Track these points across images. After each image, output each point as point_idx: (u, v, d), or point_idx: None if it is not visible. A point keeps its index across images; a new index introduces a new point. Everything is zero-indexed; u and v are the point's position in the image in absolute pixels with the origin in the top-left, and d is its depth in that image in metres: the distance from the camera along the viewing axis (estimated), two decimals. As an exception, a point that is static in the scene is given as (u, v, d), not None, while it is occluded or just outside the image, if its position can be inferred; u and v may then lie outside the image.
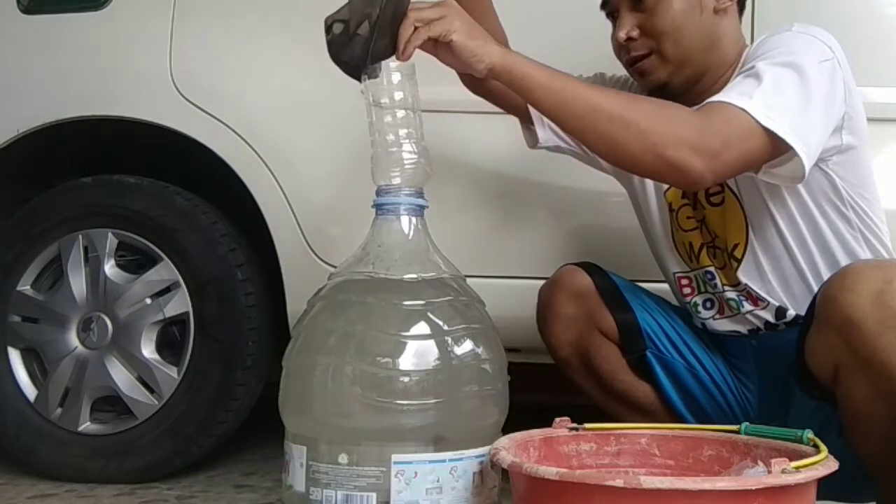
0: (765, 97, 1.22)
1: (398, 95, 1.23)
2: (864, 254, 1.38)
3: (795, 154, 1.21)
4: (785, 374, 1.38)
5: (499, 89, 1.50)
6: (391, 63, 1.22)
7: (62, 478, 1.83)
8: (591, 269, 1.55)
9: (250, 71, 1.87)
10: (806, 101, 1.24)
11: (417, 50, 1.21)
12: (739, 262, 1.44)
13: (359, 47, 1.18)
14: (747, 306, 1.46)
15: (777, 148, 1.22)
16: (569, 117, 1.22)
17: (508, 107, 1.55)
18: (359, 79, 1.22)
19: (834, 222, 1.38)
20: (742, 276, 1.43)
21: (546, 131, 1.54)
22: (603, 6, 1.45)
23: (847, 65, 1.31)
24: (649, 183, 1.54)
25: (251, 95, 1.86)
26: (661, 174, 1.24)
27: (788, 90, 1.24)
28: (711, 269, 1.48)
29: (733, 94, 1.24)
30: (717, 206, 1.46)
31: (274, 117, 1.85)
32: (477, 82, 1.52)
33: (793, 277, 1.41)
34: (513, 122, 1.58)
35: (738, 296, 1.46)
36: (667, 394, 1.54)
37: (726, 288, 1.47)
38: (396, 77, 1.23)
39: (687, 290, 1.53)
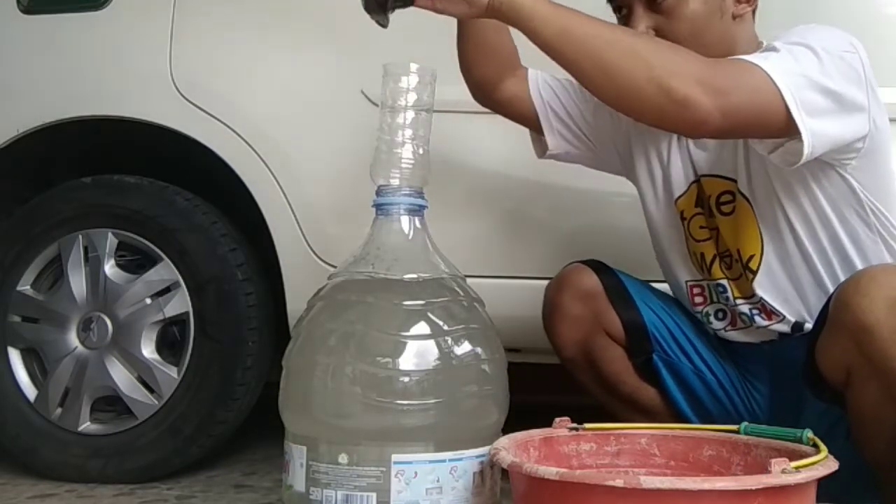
0: (782, 62, 1.17)
1: (412, 98, 1.24)
2: (884, 257, 1.35)
3: (796, 127, 1.14)
4: (798, 378, 1.35)
5: (510, 98, 1.49)
6: (412, 66, 1.23)
7: (62, 478, 1.83)
8: (598, 267, 1.52)
9: (250, 71, 1.87)
10: (821, 77, 1.17)
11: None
12: (755, 273, 1.40)
13: None
14: (760, 321, 1.43)
15: (789, 115, 1.15)
16: (568, 45, 1.15)
17: (519, 116, 1.53)
18: (382, 14, 1.21)
19: (853, 227, 1.35)
20: (758, 288, 1.40)
21: (556, 137, 1.51)
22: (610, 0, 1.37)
23: (870, 67, 1.24)
24: (660, 188, 1.49)
25: (251, 95, 1.86)
26: (664, 111, 1.14)
27: (805, 63, 1.18)
28: (724, 281, 1.45)
29: (749, 56, 1.19)
30: (728, 216, 1.42)
31: (274, 117, 1.85)
32: (488, 94, 1.50)
33: (809, 285, 1.38)
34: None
35: (750, 309, 1.43)
36: (673, 397, 1.52)
37: (738, 301, 1.44)
38: (414, 80, 1.24)
39: (699, 300, 1.50)
